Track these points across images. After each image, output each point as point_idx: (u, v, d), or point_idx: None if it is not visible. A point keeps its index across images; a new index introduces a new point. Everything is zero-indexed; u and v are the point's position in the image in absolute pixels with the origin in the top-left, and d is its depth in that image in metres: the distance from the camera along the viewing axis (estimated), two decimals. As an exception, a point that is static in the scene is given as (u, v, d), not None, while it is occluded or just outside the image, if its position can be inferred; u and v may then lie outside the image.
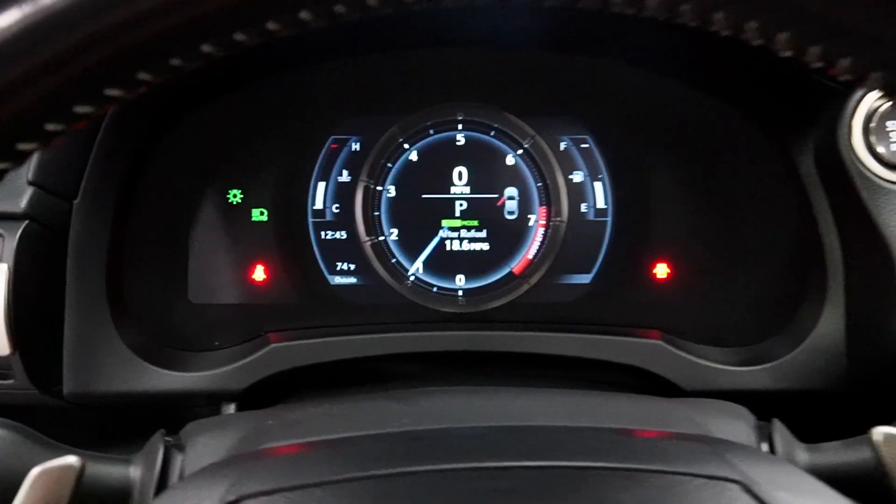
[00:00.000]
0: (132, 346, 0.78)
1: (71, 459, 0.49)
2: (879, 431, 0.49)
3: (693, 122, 0.86)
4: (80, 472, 0.49)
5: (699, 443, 0.48)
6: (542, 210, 0.88)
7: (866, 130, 0.71)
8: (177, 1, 0.27)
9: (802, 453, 0.55)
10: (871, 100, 0.72)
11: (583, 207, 0.88)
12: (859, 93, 0.71)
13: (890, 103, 0.70)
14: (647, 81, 0.85)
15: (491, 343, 0.83)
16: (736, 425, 0.57)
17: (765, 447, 0.56)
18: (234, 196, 0.88)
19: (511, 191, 0.88)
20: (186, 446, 0.58)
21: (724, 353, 0.81)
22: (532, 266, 0.88)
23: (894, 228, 0.69)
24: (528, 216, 0.88)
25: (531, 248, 0.88)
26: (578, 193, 0.88)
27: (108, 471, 0.54)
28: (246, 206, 0.88)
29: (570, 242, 0.88)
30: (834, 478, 0.51)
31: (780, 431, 0.56)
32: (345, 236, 0.88)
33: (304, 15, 0.29)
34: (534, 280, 0.88)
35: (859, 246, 0.73)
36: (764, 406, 0.62)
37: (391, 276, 0.87)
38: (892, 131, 0.71)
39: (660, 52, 0.83)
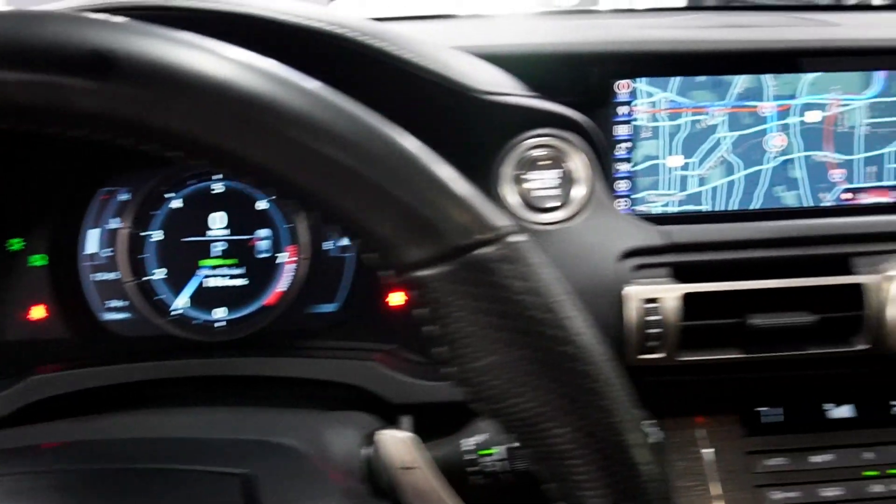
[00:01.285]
0: None
1: None
2: (379, 432, 0.60)
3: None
4: None
5: (246, 445, 0.60)
6: (292, 248, 0.99)
7: (517, 179, 0.85)
8: None
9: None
10: (520, 150, 0.85)
11: (327, 245, 1.00)
12: (510, 144, 0.84)
13: (533, 152, 0.84)
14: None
15: (234, 368, 0.94)
16: (346, 433, 0.69)
17: (368, 450, 0.67)
18: (15, 244, 0.99)
19: (264, 232, 1.00)
20: None
21: (428, 372, 0.93)
22: (283, 298, 0.99)
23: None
24: (278, 254, 1.00)
25: (281, 282, 1.00)
26: (323, 233, 1.00)
27: None
28: (26, 253, 0.99)
29: (315, 276, 0.99)
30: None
31: (384, 439, 0.68)
32: (115, 277, 0.99)
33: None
34: (283, 310, 0.99)
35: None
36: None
37: (154, 312, 0.98)
38: (534, 180, 0.84)
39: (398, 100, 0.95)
